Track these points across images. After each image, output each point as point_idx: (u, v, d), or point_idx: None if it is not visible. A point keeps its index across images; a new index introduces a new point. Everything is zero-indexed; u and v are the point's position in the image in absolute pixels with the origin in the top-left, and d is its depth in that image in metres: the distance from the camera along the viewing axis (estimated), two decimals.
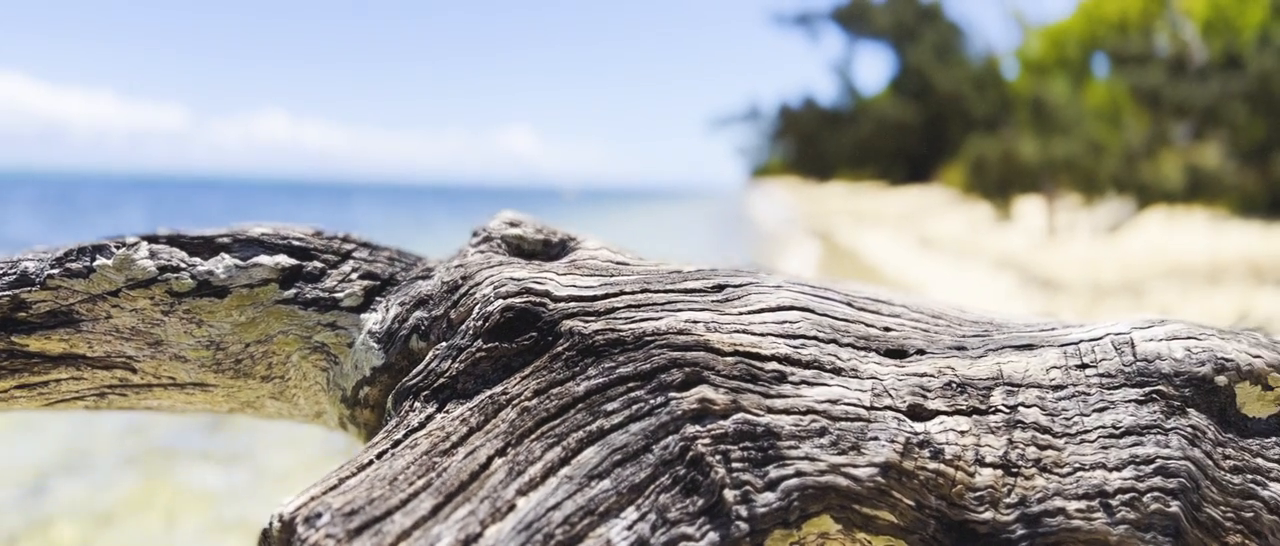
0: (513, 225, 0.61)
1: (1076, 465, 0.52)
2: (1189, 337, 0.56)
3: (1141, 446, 0.53)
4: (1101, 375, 0.55)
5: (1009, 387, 0.55)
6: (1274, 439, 0.54)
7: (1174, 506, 0.51)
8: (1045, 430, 0.53)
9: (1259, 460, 0.53)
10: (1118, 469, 0.52)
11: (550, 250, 0.61)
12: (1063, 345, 0.57)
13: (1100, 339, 0.57)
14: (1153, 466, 0.52)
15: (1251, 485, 0.52)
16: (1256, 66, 9.60)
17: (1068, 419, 0.54)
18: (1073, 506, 0.51)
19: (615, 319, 0.55)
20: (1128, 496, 0.51)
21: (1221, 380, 0.54)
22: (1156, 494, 0.51)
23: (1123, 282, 11.64)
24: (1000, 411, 0.54)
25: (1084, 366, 0.56)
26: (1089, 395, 0.54)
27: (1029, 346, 0.57)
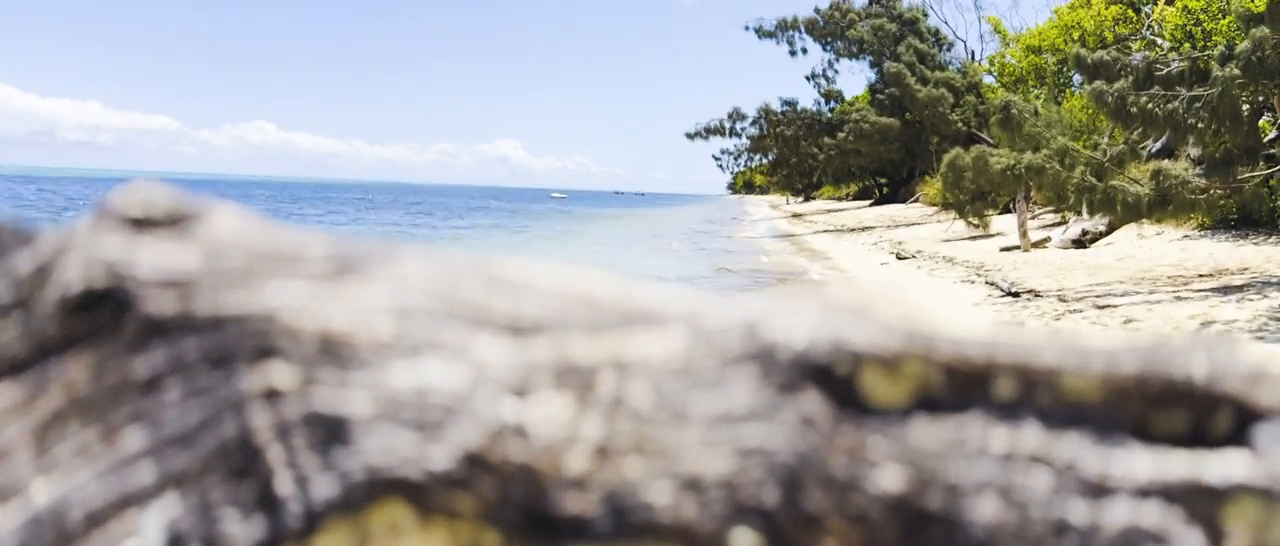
0: (138, 197, 0.57)
1: (675, 452, 0.49)
2: (816, 320, 0.52)
3: (747, 433, 0.49)
4: (722, 358, 0.52)
5: (621, 368, 0.51)
6: (894, 427, 0.51)
7: (771, 496, 0.48)
8: (649, 414, 0.50)
9: (874, 449, 0.50)
10: (719, 456, 0.49)
11: (177, 224, 0.58)
12: (691, 326, 0.54)
13: (728, 319, 0.53)
14: (755, 454, 0.49)
15: (862, 474, 0.49)
16: (1221, 77, 9.64)
17: (676, 402, 0.50)
18: (664, 496, 0.48)
19: (199, 296, 0.51)
20: (724, 486, 0.48)
21: (844, 365, 0.51)
22: (754, 483, 0.48)
23: (1091, 292, 11.71)
24: (606, 393, 0.51)
25: (707, 348, 0.52)
26: (704, 378, 0.51)
27: (656, 325, 0.54)
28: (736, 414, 0.50)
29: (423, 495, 0.47)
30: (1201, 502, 0.49)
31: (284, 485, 0.46)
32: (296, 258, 0.56)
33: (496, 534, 0.48)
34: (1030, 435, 0.51)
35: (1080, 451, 0.50)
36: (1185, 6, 17.12)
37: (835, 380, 0.51)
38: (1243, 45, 9.71)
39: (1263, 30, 9.45)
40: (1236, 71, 9.64)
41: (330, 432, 0.47)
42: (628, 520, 0.48)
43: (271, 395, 0.47)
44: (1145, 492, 0.49)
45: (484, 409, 0.49)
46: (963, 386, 0.53)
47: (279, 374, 0.48)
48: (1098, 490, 0.50)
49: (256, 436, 0.46)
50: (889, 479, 0.50)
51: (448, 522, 0.48)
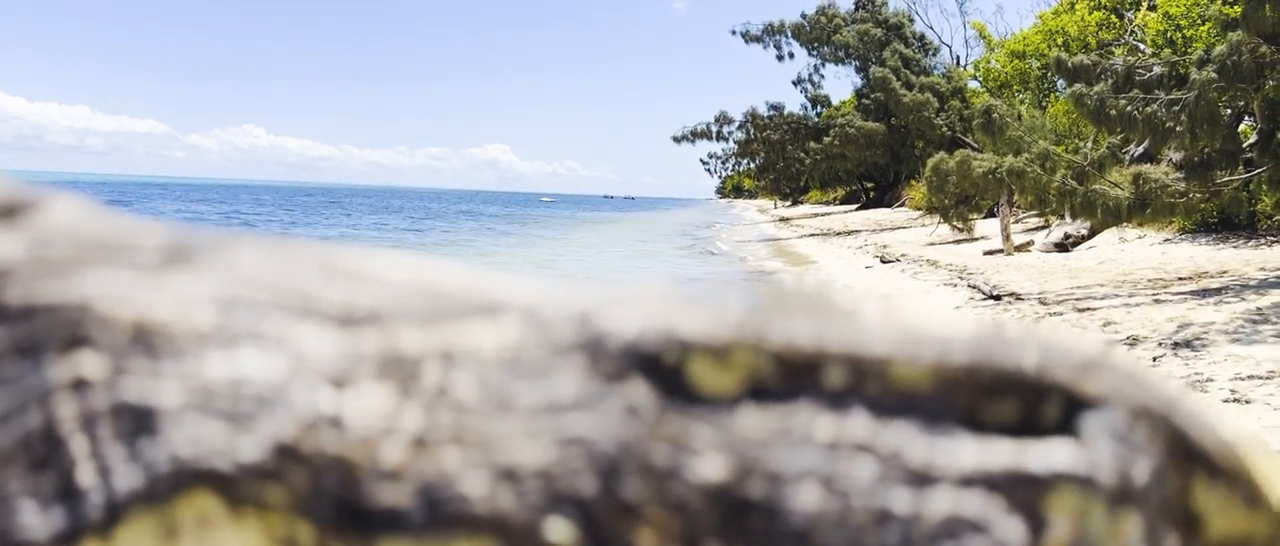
0: None
1: (495, 442, 0.48)
2: (647, 308, 0.52)
3: (570, 423, 0.49)
4: (553, 347, 0.51)
5: (449, 358, 0.51)
6: (721, 416, 0.50)
7: (588, 486, 0.47)
8: (472, 404, 0.49)
9: (697, 438, 0.49)
10: (538, 446, 0.48)
11: (9, 215, 0.57)
12: (528, 316, 0.53)
13: (565, 309, 0.53)
14: (576, 444, 0.48)
15: (683, 463, 0.49)
16: (1197, 81, 9.70)
17: (501, 392, 0.50)
18: (479, 486, 0.47)
19: (13, 286, 0.50)
20: (541, 475, 0.47)
21: (672, 354, 0.50)
22: (572, 473, 0.47)
23: (1072, 295, 11.75)
24: (429, 383, 0.50)
25: (539, 337, 0.52)
26: (531, 367, 0.51)
27: (488, 314, 0.53)
28: (561, 403, 0.50)
29: (232, 486, 0.46)
30: (1024, 491, 0.49)
31: (86, 476, 0.45)
32: (126, 247, 0.55)
33: (310, 525, 0.48)
34: (856, 424, 0.50)
35: (906, 440, 0.50)
36: (1166, 13, 17.24)
37: (663, 369, 0.51)
38: (1219, 49, 9.77)
39: (1238, 34, 9.51)
40: (1213, 75, 9.69)
41: (137, 423, 0.46)
42: (442, 511, 0.47)
43: (79, 385, 0.47)
44: (968, 481, 0.49)
45: (299, 399, 0.48)
46: (793, 375, 0.52)
47: (88, 364, 0.47)
48: (921, 479, 0.49)
49: (60, 427, 0.46)
50: (710, 467, 0.49)
51: (259, 514, 0.47)
